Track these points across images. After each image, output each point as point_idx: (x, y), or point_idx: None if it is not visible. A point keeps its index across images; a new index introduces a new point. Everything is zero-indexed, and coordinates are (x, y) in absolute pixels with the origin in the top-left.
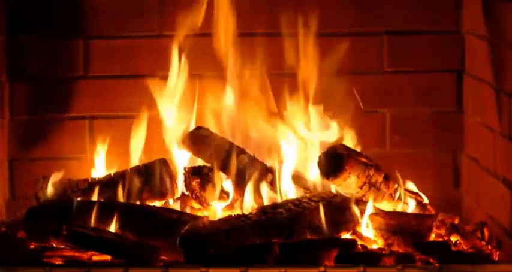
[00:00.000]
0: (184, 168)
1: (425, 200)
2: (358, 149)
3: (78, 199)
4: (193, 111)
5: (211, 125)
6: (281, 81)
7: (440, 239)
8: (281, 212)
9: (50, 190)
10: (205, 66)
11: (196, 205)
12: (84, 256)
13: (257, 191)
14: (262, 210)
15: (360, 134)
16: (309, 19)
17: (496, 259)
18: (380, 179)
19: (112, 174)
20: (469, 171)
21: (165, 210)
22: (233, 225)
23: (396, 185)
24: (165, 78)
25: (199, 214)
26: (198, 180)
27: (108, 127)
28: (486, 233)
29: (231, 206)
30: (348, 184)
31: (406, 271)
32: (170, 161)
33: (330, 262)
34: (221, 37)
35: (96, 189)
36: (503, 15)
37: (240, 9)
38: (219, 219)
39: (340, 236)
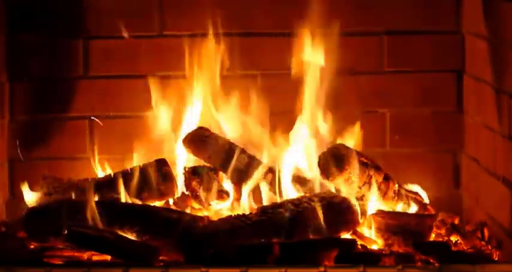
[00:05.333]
0: (184, 168)
1: (425, 200)
2: (358, 149)
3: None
4: (191, 110)
5: (211, 125)
6: (281, 81)
7: (440, 239)
8: (281, 212)
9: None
10: (205, 66)
11: (196, 205)
12: (84, 256)
13: (257, 191)
14: (262, 210)
15: (360, 134)
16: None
17: (496, 259)
18: (380, 179)
19: (112, 174)
20: (469, 171)
21: (165, 210)
22: (233, 225)
23: (396, 185)
24: (165, 78)
25: (199, 214)
26: (198, 180)
27: (108, 127)
28: (486, 233)
29: (231, 206)
30: (348, 184)
31: (406, 271)
32: (170, 161)
33: (330, 262)
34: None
35: (96, 189)
36: (503, 15)
37: (240, 8)
38: (219, 219)
39: (340, 236)
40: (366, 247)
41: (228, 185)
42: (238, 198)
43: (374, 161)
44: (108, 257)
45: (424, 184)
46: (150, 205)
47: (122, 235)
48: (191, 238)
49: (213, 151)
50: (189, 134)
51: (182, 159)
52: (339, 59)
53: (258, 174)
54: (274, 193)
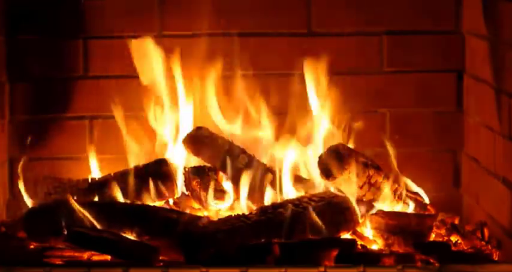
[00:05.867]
0: (184, 168)
1: (425, 200)
2: (358, 149)
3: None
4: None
5: (211, 125)
6: (282, 81)
7: (440, 239)
8: (281, 212)
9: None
10: (205, 66)
11: (196, 205)
12: (84, 256)
13: (257, 191)
14: (262, 210)
15: (360, 134)
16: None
17: (496, 259)
18: (380, 179)
19: (112, 174)
20: (469, 171)
21: (165, 210)
22: (233, 225)
23: (396, 185)
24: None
25: (199, 214)
26: (198, 180)
27: (108, 127)
28: (486, 233)
29: (231, 206)
30: (348, 184)
31: (406, 271)
32: (170, 161)
33: (330, 262)
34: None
35: (96, 189)
36: (503, 15)
37: (240, 8)
38: (219, 219)
39: (340, 236)
40: (366, 247)
41: (228, 185)
42: (238, 198)
43: (374, 161)
44: (108, 257)
45: (424, 184)
46: (150, 205)
47: (122, 235)
48: (191, 238)
49: (213, 151)
50: (189, 134)
51: (182, 159)
52: (339, 59)
53: (258, 174)
54: (274, 193)
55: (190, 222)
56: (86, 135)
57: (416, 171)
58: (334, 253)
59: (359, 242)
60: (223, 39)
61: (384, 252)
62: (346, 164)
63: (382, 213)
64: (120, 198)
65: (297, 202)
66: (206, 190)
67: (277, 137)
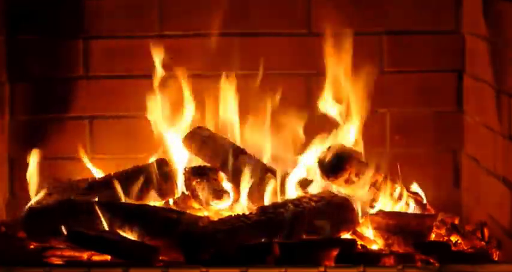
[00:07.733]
0: (184, 168)
1: (424, 200)
2: (358, 149)
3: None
4: (193, 110)
5: (211, 125)
6: (282, 81)
7: (440, 239)
8: (281, 212)
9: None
10: (205, 66)
11: (196, 205)
12: (84, 256)
13: (257, 191)
14: (262, 210)
15: (360, 134)
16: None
17: (496, 259)
18: (380, 179)
19: (112, 174)
20: (469, 171)
21: (165, 210)
22: (233, 225)
23: (396, 185)
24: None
25: (199, 214)
26: (198, 180)
27: (108, 127)
28: (486, 233)
29: (231, 206)
30: (348, 185)
31: (406, 271)
32: (170, 161)
33: (330, 262)
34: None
35: (96, 189)
36: (503, 15)
37: (240, 8)
38: (219, 219)
39: (340, 236)
40: (366, 247)
41: (228, 185)
42: (238, 198)
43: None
44: (108, 257)
45: (424, 184)
46: (150, 205)
47: (122, 235)
48: (191, 238)
49: (213, 151)
50: (189, 134)
51: (182, 159)
52: (339, 59)
53: (257, 174)
54: (274, 193)
55: (190, 222)
56: (86, 135)
57: (416, 171)
58: (334, 253)
59: (359, 242)
60: (224, 39)
61: (384, 252)
62: (346, 164)
63: (382, 213)
64: (120, 198)
65: (297, 202)
66: (206, 190)
67: (277, 137)
